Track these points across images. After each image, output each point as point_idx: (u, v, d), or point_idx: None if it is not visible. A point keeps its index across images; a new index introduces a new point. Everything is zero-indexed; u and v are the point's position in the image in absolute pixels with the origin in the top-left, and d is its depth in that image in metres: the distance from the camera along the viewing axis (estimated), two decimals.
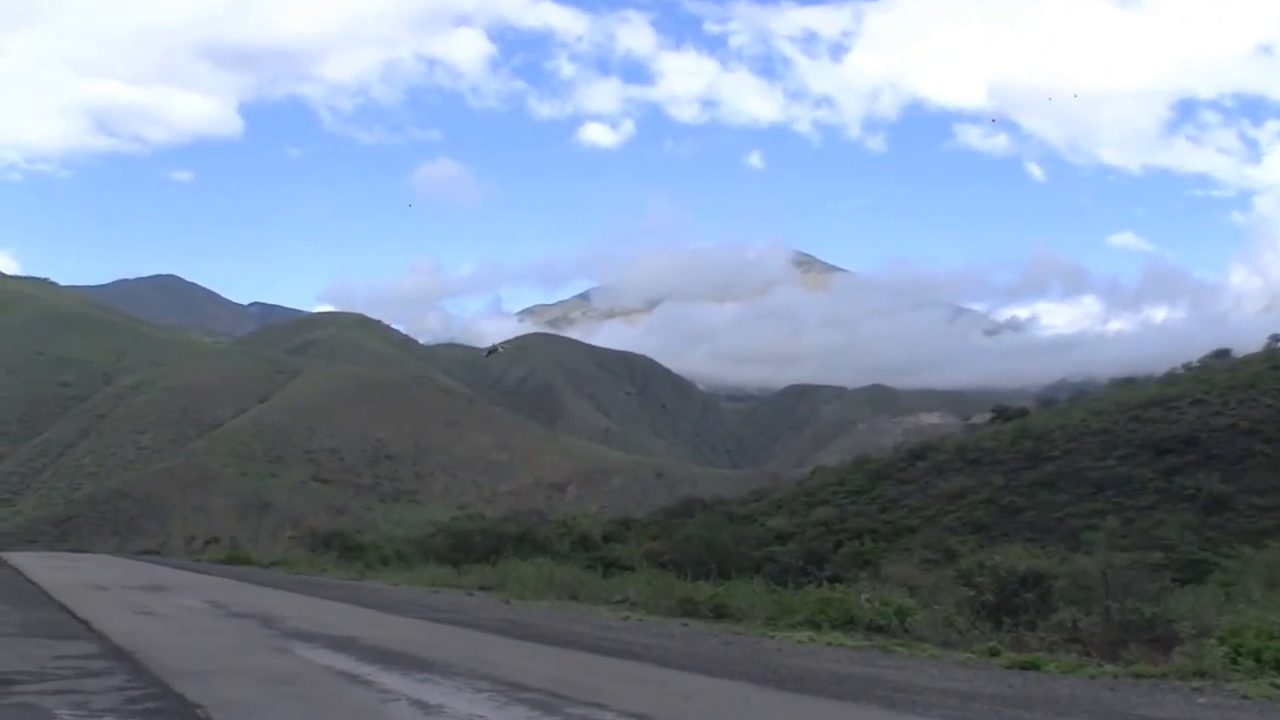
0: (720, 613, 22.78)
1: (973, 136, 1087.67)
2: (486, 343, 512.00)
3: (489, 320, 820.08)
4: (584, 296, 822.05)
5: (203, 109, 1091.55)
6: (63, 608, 22.05)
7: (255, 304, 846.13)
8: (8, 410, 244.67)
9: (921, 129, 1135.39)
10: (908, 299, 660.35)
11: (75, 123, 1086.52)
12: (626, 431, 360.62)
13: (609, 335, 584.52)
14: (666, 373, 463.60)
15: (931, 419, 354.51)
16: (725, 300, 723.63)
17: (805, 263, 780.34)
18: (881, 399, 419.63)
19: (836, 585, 24.92)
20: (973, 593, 20.94)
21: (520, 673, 13.61)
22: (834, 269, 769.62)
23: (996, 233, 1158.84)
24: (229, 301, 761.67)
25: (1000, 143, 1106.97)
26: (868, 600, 21.35)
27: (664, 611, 23.62)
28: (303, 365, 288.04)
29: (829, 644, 18.07)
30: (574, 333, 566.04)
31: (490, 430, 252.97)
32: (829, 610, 20.88)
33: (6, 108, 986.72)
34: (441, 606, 25.17)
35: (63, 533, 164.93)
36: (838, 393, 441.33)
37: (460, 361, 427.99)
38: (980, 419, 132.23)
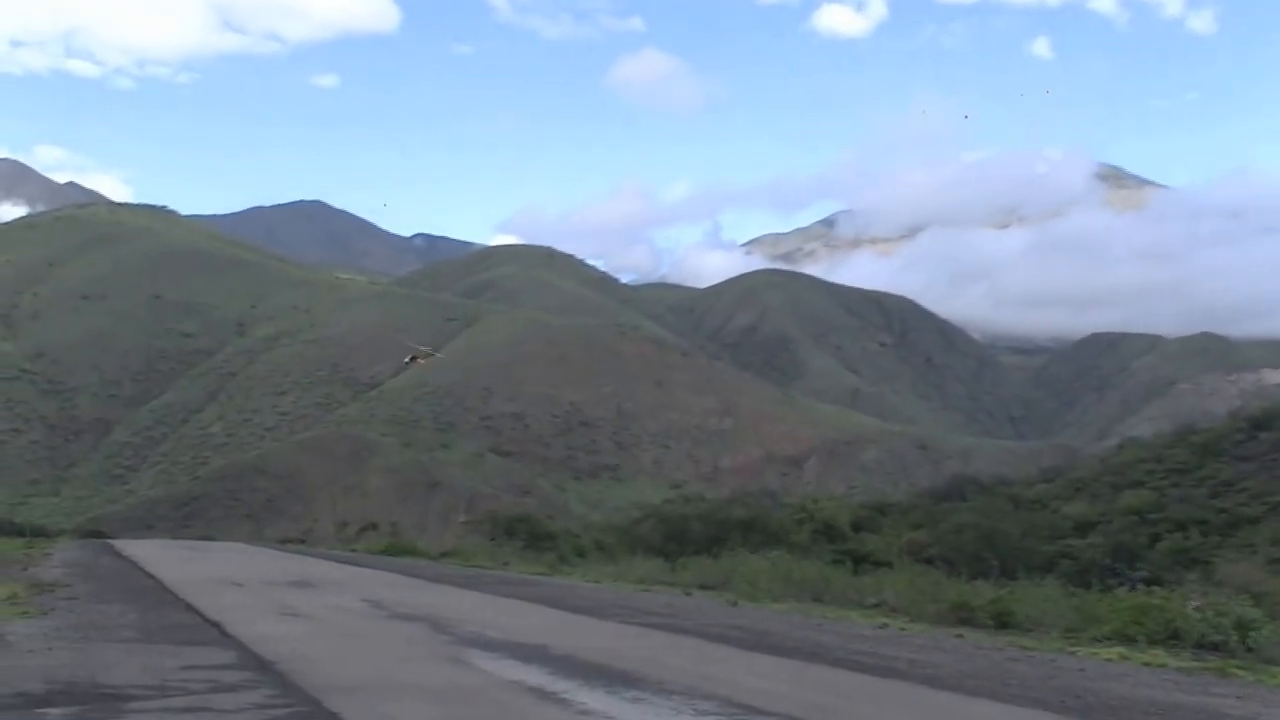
0: (1003, 621, 22.39)
1: None
2: (704, 282, 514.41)
3: (707, 253, 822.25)
4: (826, 223, 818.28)
5: None
6: (189, 608, 22.79)
7: (419, 236, 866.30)
8: (119, 368, 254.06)
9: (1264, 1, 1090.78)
10: (1249, 222, 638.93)
11: (196, 18, 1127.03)
12: (880, 392, 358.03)
13: (858, 271, 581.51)
14: (931, 318, 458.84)
15: (1278, 377, 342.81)
16: (1008, 226, 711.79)
17: (1112, 177, 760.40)
18: (1212, 351, 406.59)
19: (1154, 589, 24.23)
20: None
21: (752, 692, 13.54)
22: (1149, 184, 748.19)
23: None
24: (387, 233, 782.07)
25: None
26: (1197, 609, 20.68)
27: (931, 619, 23.32)
28: (478, 311, 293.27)
29: (1146, 664, 17.58)
30: (814, 268, 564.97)
31: (710, 391, 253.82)
32: (1145, 621, 20.32)
33: (111, 1, 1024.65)
34: (652, 608, 25.30)
35: (186, 517, 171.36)
36: (1153, 343, 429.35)
37: (672, 306, 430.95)
38: None
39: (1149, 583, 27.40)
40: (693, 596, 29.61)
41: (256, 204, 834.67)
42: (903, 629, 22.10)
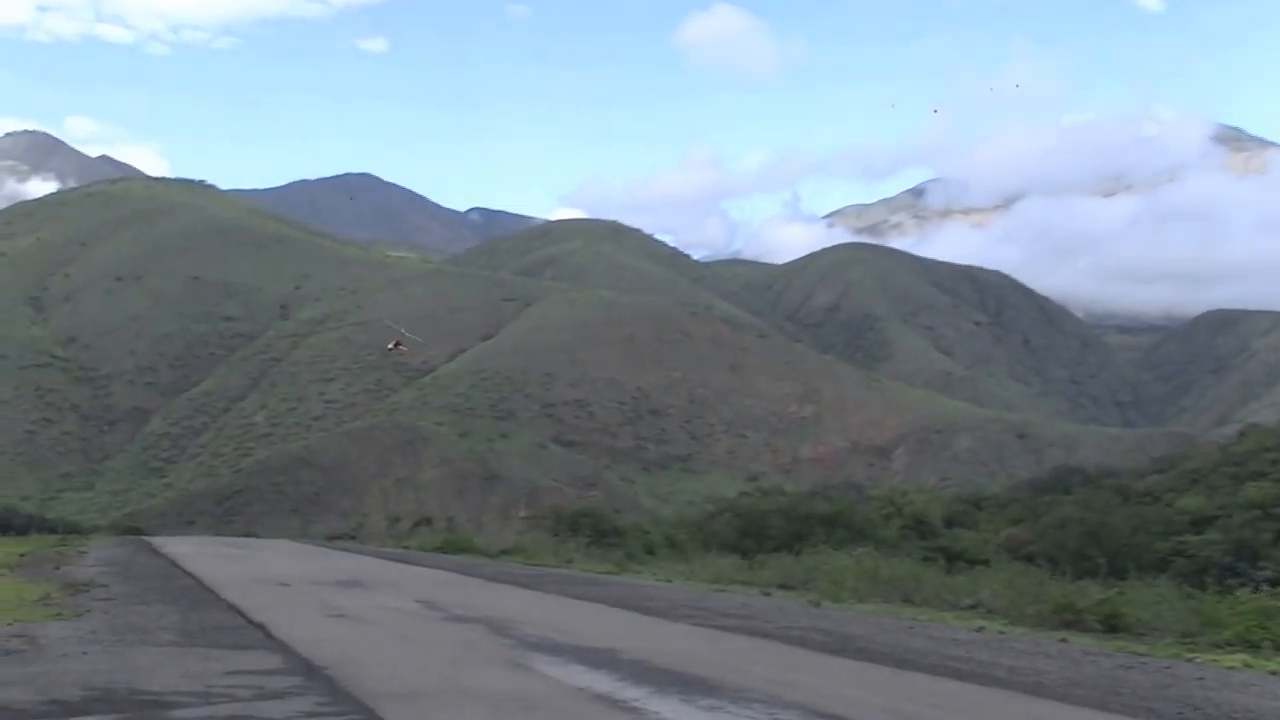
0: (1113, 625, 22.22)
1: None
2: (782, 257, 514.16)
3: (785, 226, 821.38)
4: (915, 192, 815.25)
5: None
6: (232, 608, 22.98)
7: (475, 210, 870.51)
8: (156, 354, 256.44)
9: None
10: None
11: None
12: (975, 376, 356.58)
13: (950, 244, 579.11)
14: (1030, 295, 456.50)
15: None
16: (1114, 193, 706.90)
17: (1230, 139, 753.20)
18: None
19: None
20: None
21: (839, 700, 13.51)
22: (1272, 146, 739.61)
23: None
24: (440, 208, 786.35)
25: None
26: None
27: (1032, 622, 23.19)
28: (538, 290, 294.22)
29: (1273, 673, 17.40)
30: (902, 241, 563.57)
31: (789, 375, 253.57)
32: (1271, 625, 20.12)
33: None
34: (729, 610, 25.30)
35: (228, 512, 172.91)
36: (1276, 321, 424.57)
37: (748, 283, 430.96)
38: None
39: (1274, 583, 27.13)
40: (772, 597, 29.59)
41: (300, 177, 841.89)
42: (1001, 632, 21.99)
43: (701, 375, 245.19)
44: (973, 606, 25.65)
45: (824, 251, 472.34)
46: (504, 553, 54.36)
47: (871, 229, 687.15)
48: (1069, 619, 22.82)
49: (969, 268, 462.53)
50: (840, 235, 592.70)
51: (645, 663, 16.27)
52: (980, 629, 22.43)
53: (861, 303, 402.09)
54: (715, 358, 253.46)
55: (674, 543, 62.62)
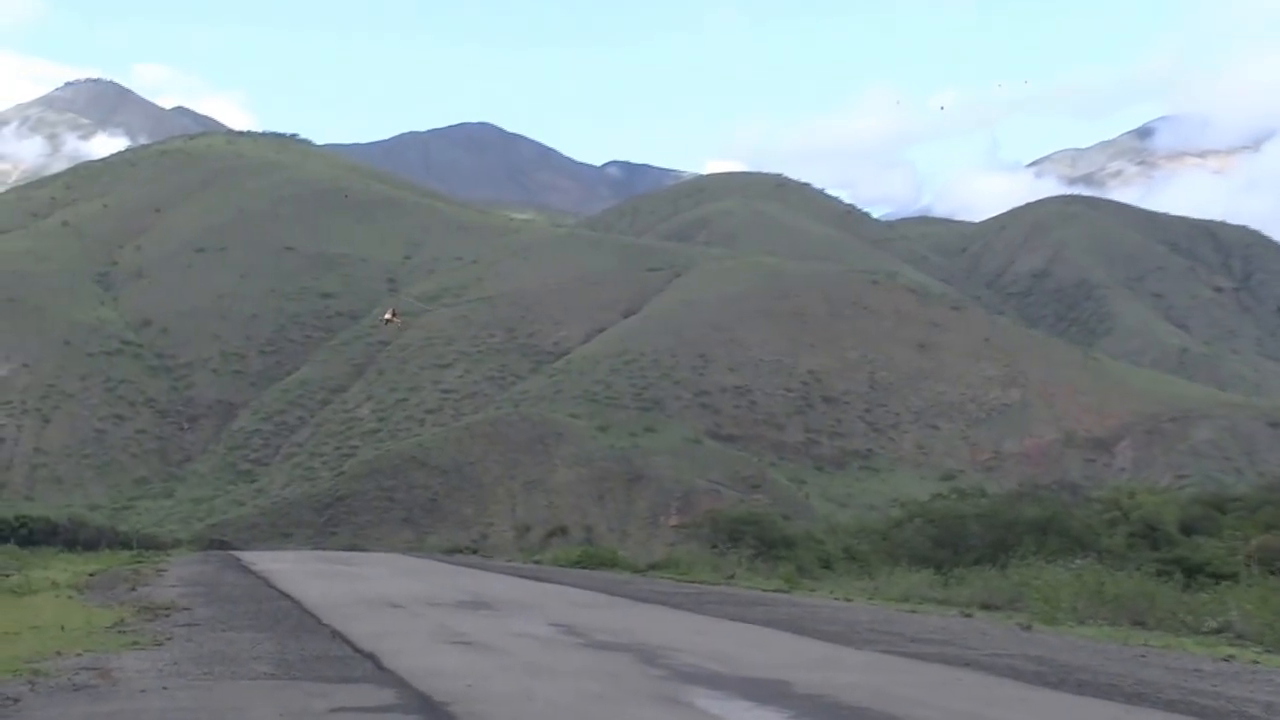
0: None
1: None
2: (979, 214, 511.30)
3: (983, 177, 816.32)
4: (1141, 133, 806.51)
5: None
6: (337, 635, 23.27)
7: (613, 164, 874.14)
8: (243, 337, 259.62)
9: None
10: None
11: None
12: (1217, 353, 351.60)
13: (1184, 195, 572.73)
14: None
15: None
16: None
17: None
18: None
19: None
20: None
21: None
22: None
23: None
24: (573, 162, 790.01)
25: None
26: None
27: None
28: (689, 257, 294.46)
29: None
30: (1125, 193, 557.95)
31: (990, 354, 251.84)
32: None
33: None
34: (921, 634, 25.20)
35: (329, 521, 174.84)
36: None
37: (939, 246, 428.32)
38: None
39: None
40: (973, 618, 29.46)
41: (409, 129, 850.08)
42: (1255, 662, 21.72)
43: (884, 356, 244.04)
44: (1218, 630, 25.36)
45: (1030, 206, 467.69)
46: (652, 567, 54.62)
47: (1087, 179, 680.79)
48: None
49: (1208, 223, 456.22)
50: (1049, 187, 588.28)
51: (823, 698, 16.24)
52: (1228, 658, 22.17)
53: (1076, 267, 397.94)
54: (901, 335, 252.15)
55: (854, 554, 62.60)
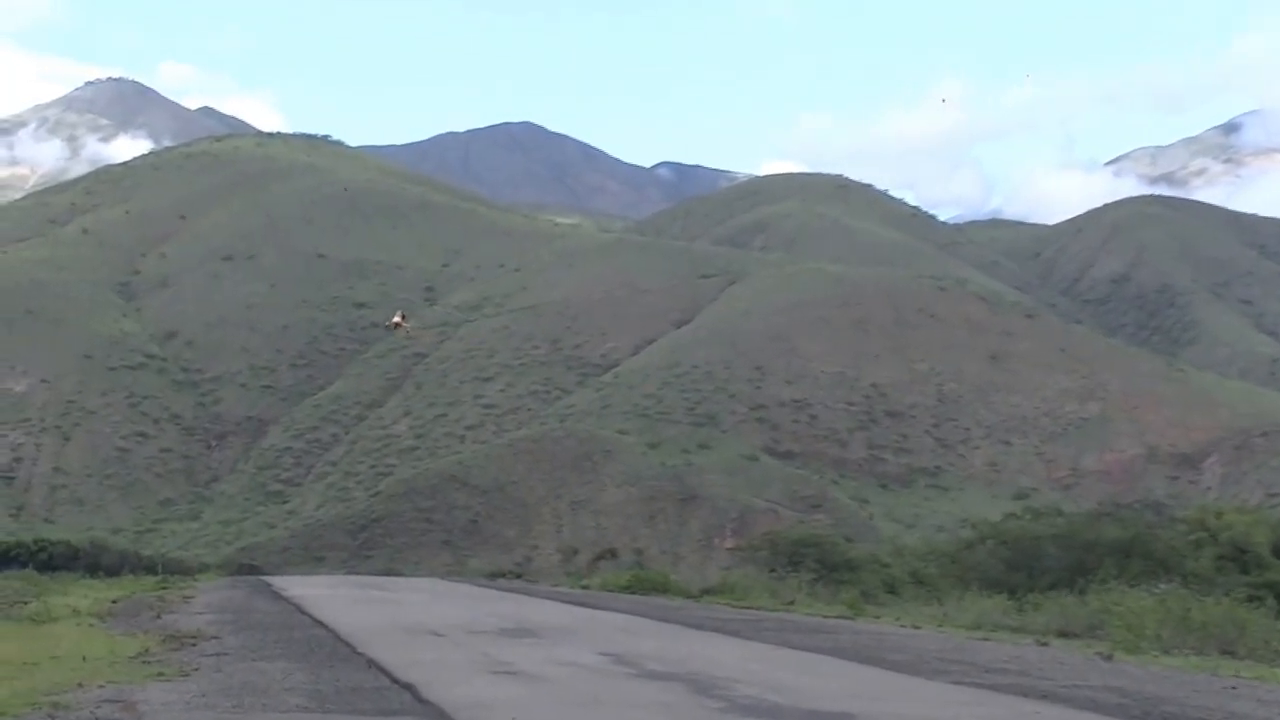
0: None
1: None
2: (1054, 216, 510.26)
3: (1057, 176, 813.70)
4: (1227, 128, 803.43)
5: None
6: (373, 665, 23.31)
7: (664, 165, 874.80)
8: (273, 350, 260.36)
9: None
10: None
11: None
12: None
13: (1274, 195, 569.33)
14: None
15: None
16: None
17: None
18: None
19: None
20: None
21: None
22: None
23: None
24: (621, 163, 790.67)
25: None
26: None
27: None
28: (744, 263, 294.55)
29: None
30: (1210, 193, 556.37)
31: (1066, 365, 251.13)
32: None
33: None
34: (995, 663, 25.13)
35: (364, 545, 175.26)
36: None
37: (1011, 250, 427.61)
38: None
39: None
40: (1050, 647, 29.39)
41: (447, 129, 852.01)
42: None
43: (953, 367, 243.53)
44: None
45: (1108, 207, 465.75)
46: (707, 592, 54.63)
47: (1169, 178, 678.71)
48: None
49: None
50: (1129, 186, 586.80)
51: None
52: None
53: (1158, 272, 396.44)
54: (970, 345, 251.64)
55: (921, 578, 62.49)
